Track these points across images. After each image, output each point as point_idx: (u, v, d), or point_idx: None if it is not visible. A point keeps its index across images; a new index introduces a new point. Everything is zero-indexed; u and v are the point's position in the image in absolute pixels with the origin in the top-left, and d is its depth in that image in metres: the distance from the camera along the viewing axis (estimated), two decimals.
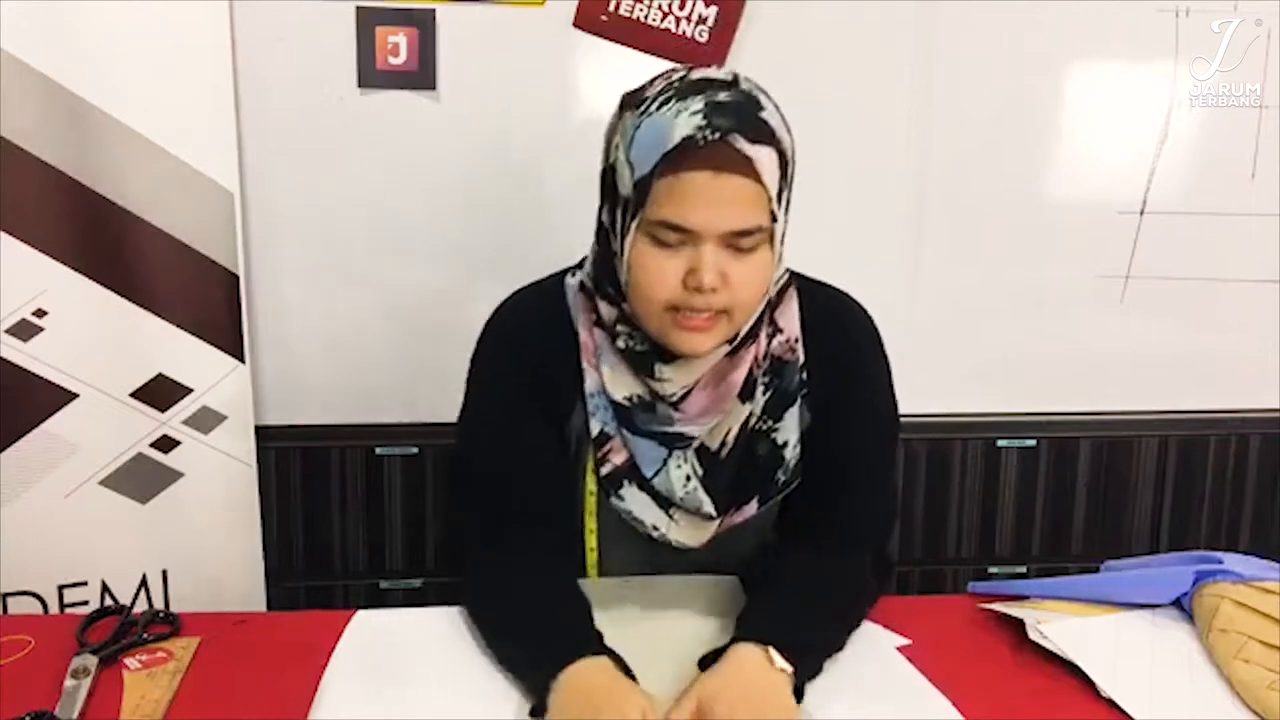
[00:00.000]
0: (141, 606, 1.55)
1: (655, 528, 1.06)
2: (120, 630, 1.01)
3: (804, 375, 1.07)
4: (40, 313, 1.55)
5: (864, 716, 0.90)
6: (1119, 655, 0.98)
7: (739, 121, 0.91)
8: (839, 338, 1.10)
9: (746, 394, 1.05)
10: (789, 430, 1.06)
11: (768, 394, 1.06)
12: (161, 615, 1.05)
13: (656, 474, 1.04)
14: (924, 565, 1.95)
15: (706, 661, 0.93)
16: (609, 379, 1.04)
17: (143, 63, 1.54)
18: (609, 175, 1.00)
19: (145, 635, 1.01)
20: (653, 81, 0.98)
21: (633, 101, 0.97)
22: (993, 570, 1.97)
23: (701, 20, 1.69)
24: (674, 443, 1.04)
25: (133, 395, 1.62)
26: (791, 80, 1.72)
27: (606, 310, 1.04)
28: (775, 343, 1.07)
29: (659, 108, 0.93)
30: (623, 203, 0.97)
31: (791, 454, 1.06)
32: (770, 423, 1.06)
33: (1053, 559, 1.96)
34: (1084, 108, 1.80)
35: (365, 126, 1.68)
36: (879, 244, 1.82)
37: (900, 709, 0.93)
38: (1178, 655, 1.00)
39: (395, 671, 0.97)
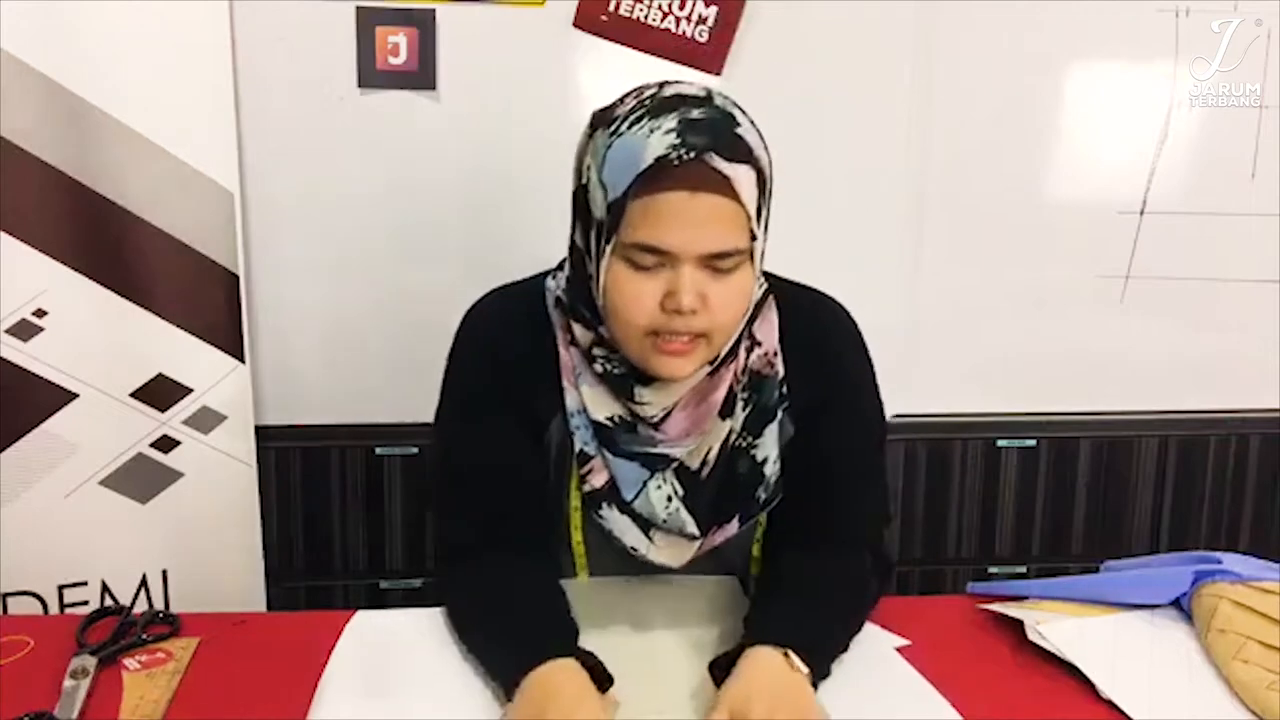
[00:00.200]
0: (141, 606, 1.55)
1: (634, 549, 1.05)
2: (119, 631, 1.01)
3: (784, 389, 1.05)
4: (40, 313, 1.56)
5: (863, 717, 0.90)
6: (1118, 656, 0.98)
7: (715, 139, 0.89)
8: (820, 343, 1.08)
9: (726, 410, 1.03)
10: (768, 447, 1.05)
11: (747, 409, 1.05)
12: (161, 616, 1.05)
13: (636, 496, 1.03)
14: (924, 565, 1.95)
15: (716, 667, 0.92)
16: (589, 399, 1.02)
17: (143, 63, 1.55)
18: (581, 196, 0.97)
19: (144, 636, 1.01)
20: (623, 99, 0.96)
21: (603, 120, 0.95)
22: (993, 570, 1.97)
23: (701, 20, 1.69)
24: (656, 464, 1.03)
25: (133, 395, 1.63)
26: (791, 80, 1.76)
27: (581, 333, 1.02)
28: (754, 356, 1.05)
29: (631, 126, 0.90)
30: (596, 225, 0.94)
31: (771, 470, 1.05)
32: (750, 439, 1.05)
33: (1053, 559, 1.96)
34: (1084, 108, 1.80)
35: (365, 126, 1.68)
36: (879, 244, 1.82)
37: (899, 709, 0.93)
38: (1176, 656, 1.00)
39: (394, 672, 0.97)
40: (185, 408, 1.65)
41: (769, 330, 1.06)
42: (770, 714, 0.84)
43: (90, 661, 0.95)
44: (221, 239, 1.63)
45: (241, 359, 1.67)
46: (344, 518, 1.84)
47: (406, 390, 1.77)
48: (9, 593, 1.62)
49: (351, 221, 1.72)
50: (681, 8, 1.68)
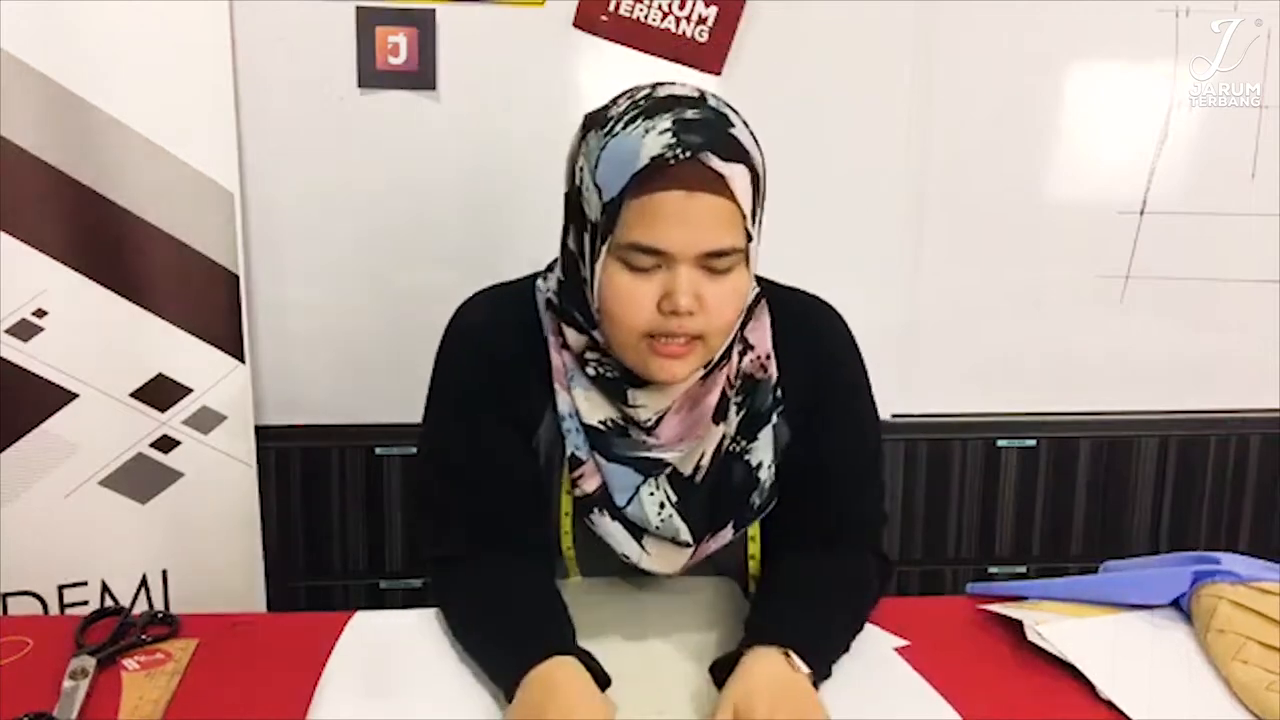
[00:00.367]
0: (141, 606, 1.55)
1: (626, 557, 1.04)
2: (119, 631, 1.01)
3: (778, 393, 1.05)
4: (40, 313, 1.56)
5: (863, 717, 0.90)
6: (1117, 656, 0.98)
7: (710, 139, 0.89)
8: (813, 348, 1.07)
9: (720, 415, 1.02)
10: (763, 451, 1.04)
11: (741, 414, 1.04)
12: (160, 616, 1.05)
13: (629, 502, 1.02)
14: (924, 565, 1.95)
15: (717, 668, 0.92)
16: (581, 403, 1.02)
17: (143, 63, 1.55)
18: (574, 199, 0.96)
19: (144, 636, 1.01)
20: (615, 100, 0.95)
21: (596, 122, 0.94)
22: (993, 570, 1.97)
23: (701, 20, 1.69)
24: (649, 469, 1.02)
25: (133, 395, 1.63)
26: (791, 80, 1.76)
27: (574, 337, 1.01)
28: (746, 360, 1.04)
29: (625, 127, 0.90)
30: (590, 227, 0.93)
31: (766, 475, 1.04)
32: (744, 444, 1.04)
33: (1052, 559, 1.96)
34: (1084, 108, 1.80)
35: (365, 126, 1.68)
36: (879, 244, 1.82)
37: (899, 710, 0.93)
38: (1176, 656, 1.00)
39: (394, 672, 0.97)
40: (185, 408, 1.65)
41: (761, 333, 1.05)
42: (772, 714, 0.84)
43: (89, 662, 0.95)
44: (221, 239, 1.63)
45: (241, 359, 1.67)
46: (344, 518, 1.84)
47: (406, 390, 1.76)
48: (9, 593, 1.62)
49: (351, 221, 1.72)
50: (681, 8, 1.68)
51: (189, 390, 1.65)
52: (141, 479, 1.66)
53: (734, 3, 1.68)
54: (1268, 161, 1.82)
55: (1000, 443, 1.93)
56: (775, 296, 1.08)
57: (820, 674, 0.92)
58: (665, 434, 1.01)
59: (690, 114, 0.90)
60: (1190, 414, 1.94)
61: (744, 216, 0.91)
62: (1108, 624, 1.04)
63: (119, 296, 1.59)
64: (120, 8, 1.53)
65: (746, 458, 1.04)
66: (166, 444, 1.66)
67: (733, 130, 0.91)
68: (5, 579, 1.61)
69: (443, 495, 1.08)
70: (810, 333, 1.08)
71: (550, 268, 1.07)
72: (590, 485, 1.03)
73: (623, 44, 1.68)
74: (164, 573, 1.70)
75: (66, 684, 0.92)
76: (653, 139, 0.88)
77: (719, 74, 1.70)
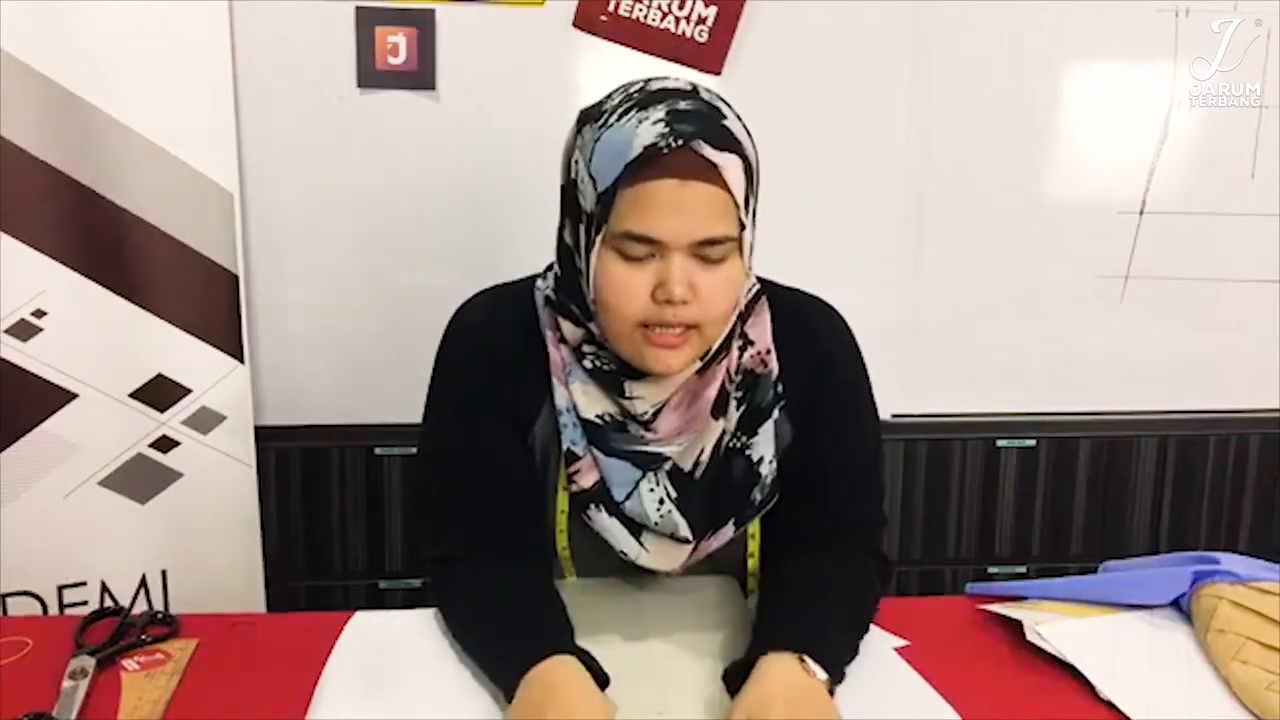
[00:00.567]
0: (141, 607, 1.55)
1: (624, 554, 1.04)
2: (118, 631, 1.01)
3: (779, 388, 1.05)
4: (40, 313, 1.56)
5: (862, 717, 0.90)
6: (1117, 656, 0.98)
7: (702, 128, 0.90)
8: (813, 346, 1.07)
9: (719, 410, 1.02)
10: (764, 446, 1.04)
11: (741, 409, 1.04)
12: (160, 616, 1.05)
13: (628, 497, 1.02)
14: (923, 565, 1.95)
15: (730, 674, 0.91)
16: (579, 397, 1.02)
17: (143, 63, 1.55)
18: (569, 191, 0.98)
19: (143, 636, 1.01)
20: (610, 95, 0.96)
21: (591, 115, 0.95)
22: (992, 570, 1.97)
23: (701, 20, 1.69)
24: (648, 463, 1.02)
25: (132, 395, 1.63)
26: (791, 80, 1.76)
27: (571, 331, 1.01)
28: (747, 355, 1.04)
29: (619, 118, 0.91)
30: (586, 218, 0.94)
31: (768, 470, 1.04)
32: (744, 439, 1.04)
33: (1052, 559, 1.96)
34: (1084, 108, 1.80)
35: (365, 126, 1.68)
36: (879, 244, 1.82)
37: (899, 710, 0.93)
38: (1176, 656, 1.00)
39: (394, 672, 0.97)
40: (185, 408, 1.66)
41: (761, 329, 1.05)
42: (789, 716, 0.84)
43: (89, 662, 0.95)
44: (221, 239, 1.63)
45: (241, 359, 1.67)
46: (343, 518, 1.84)
47: (406, 390, 1.76)
48: (8, 593, 1.62)
49: (351, 221, 1.72)
50: (681, 8, 1.68)
51: (188, 390, 1.65)
52: (141, 479, 1.66)
53: (734, 3, 1.68)
54: (1268, 161, 1.82)
55: (1000, 443, 1.93)
56: (775, 296, 1.08)
57: (835, 679, 0.92)
58: (664, 428, 1.01)
59: (683, 105, 0.91)
60: (1190, 414, 1.94)
61: (737, 206, 0.92)
62: (1107, 624, 1.04)
63: (119, 297, 1.59)
64: (120, 8, 1.53)
65: (747, 453, 1.04)
66: (166, 444, 1.66)
67: (725, 121, 0.92)
68: (5, 579, 1.61)
69: (442, 495, 1.08)
70: (809, 331, 1.08)
71: (550, 268, 1.07)
72: (587, 480, 1.02)
73: (622, 44, 1.69)
74: (163, 573, 1.70)
75: (66, 684, 0.92)
76: (646, 129, 0.89)
77: (719, 74, 1.70)
